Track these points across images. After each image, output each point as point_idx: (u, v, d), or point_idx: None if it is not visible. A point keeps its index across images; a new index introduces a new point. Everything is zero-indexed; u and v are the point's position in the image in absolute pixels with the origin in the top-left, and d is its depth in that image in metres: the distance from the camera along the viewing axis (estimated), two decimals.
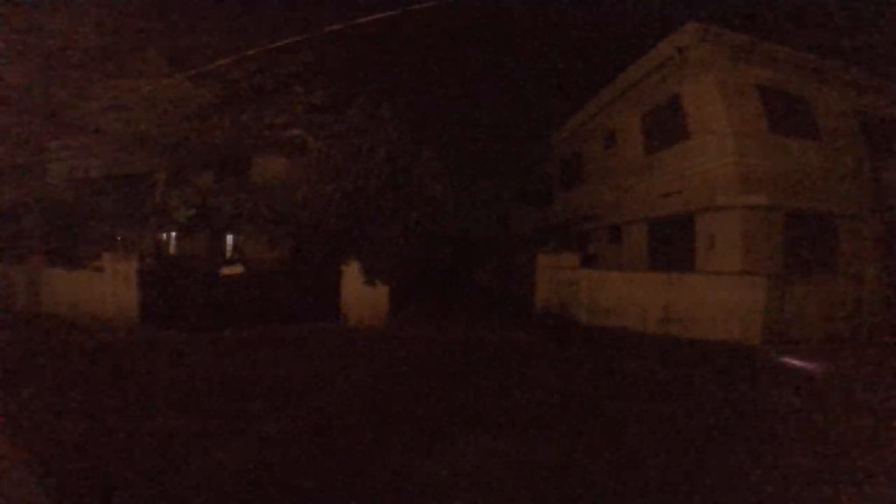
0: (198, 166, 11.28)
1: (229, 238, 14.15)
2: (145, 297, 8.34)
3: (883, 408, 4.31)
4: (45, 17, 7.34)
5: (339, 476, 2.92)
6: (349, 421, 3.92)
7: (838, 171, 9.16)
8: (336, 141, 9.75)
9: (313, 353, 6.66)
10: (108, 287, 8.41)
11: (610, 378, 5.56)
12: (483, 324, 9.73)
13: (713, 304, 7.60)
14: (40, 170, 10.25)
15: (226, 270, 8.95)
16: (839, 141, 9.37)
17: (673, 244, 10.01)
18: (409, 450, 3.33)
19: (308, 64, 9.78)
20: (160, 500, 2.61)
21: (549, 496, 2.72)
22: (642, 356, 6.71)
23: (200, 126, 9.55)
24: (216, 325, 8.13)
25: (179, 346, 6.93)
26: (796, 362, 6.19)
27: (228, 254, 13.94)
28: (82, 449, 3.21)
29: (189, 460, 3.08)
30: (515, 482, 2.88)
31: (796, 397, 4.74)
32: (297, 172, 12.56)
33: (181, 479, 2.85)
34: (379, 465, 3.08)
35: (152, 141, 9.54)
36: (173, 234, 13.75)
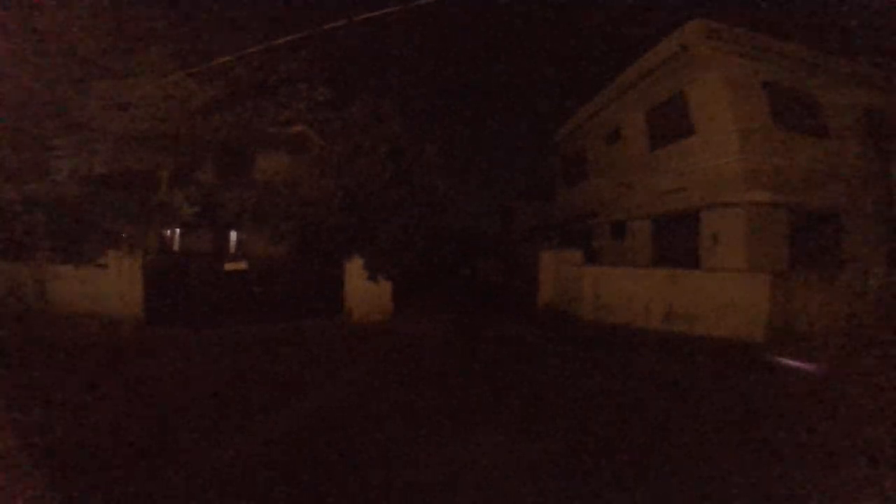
0: (201, 163, 11.30)
1: (233, 234, 14.21)
2: (150, 294, 8.39)
3: (877, 408, 4.31)
4: (47, 16, 7.34)
5: (341, 471, 2.95)
6: (351, 417, 3.95)
7: (844, 169, 9.10)
8: (339, 137, 9.75)
9: (318, 349, 6.70)
10: (112, 284, 8.45)
11: (611, 374, 5.57)
12: (486, 320, 9.75)
13: (717, 300, 7.58)
14: (44, 168, 10.27)
15: (229, 266, 8.98)
16: (846, 138, 9.30)
17: (677, 241, 9.98)
18: (409, 443, 3.36)
19: (311, 61, 9.76)
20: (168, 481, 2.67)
21: (551, 490, 2.74)
22: (645, 353, 6.71)
23: (203, 123, 9.56)
24: (221, 321, 8.17)
25: (185, 343, 6.98)
26: (798, 361, 6.18)
27: (232, 250, 14.01)
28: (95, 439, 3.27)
29: (189, 455, 3.13)
30: (516, 476, 2.90)
31: (795, 398, 4.74)
32: (300, 169, 12.56)
33: (181, 469, 2.91)
34: (379, 457, 3.11)
35: (155, 138, 9.55)
36: (177, 230, 13.82)
